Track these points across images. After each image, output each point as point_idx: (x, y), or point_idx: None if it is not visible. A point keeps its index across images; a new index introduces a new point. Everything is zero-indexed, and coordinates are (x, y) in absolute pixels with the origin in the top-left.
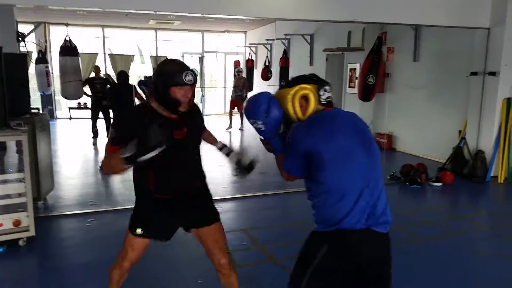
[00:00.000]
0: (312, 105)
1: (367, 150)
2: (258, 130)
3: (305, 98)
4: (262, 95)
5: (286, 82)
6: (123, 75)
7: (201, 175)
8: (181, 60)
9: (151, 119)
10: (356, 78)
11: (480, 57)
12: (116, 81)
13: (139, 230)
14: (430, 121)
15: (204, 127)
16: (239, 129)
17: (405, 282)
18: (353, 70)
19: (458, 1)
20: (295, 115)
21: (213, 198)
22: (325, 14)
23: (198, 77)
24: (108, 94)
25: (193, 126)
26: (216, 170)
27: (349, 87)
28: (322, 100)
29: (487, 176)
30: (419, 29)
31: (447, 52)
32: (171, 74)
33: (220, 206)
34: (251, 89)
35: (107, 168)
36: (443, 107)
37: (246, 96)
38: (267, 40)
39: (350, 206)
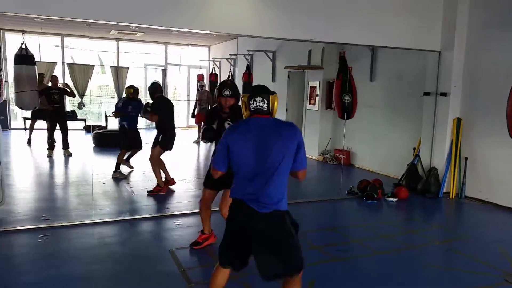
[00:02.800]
0: (244, 112)
1: (260, 151)
2: None
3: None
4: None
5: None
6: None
7: None
8: (229, 81)
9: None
10: (317, 95)
11: (432, 78)
12: (164, 97)
13: None
14: (386, 139)
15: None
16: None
17: None
18: (313, 87)
19: (412, 25)
20: None
21: (174, 213)
22: (285, 32)
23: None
24: (155, 107)
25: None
26: (177, 185)
27: (310, 103)
28: (252, 107)
29: (440, 192)
30: (375, 50)
31: (401, 73)
32: (219, 88)
33: (180, 222)
34: (214, 103)
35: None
36: (398, 125)
37: None
38: (230, 55)
39: None
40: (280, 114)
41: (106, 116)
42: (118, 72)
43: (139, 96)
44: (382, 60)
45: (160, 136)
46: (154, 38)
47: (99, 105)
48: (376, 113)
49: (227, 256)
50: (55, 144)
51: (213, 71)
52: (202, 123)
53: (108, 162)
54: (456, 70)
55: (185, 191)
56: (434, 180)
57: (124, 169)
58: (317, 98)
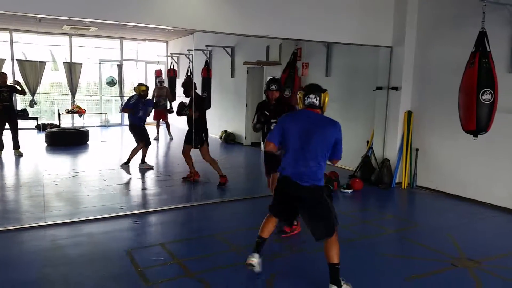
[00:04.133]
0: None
1: (303, 136)
2: None
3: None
4: None
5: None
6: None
7: None
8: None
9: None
10: None
11: (384, 73)
12: (199, 94)
13: None
14: (342, 132)
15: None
16: (170, 139)
17: (314, 283)
18: None
19: (365, 21)
20: None
21: (130, 212)
22: (242, 28)
23: (117, 86)
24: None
25: (276, 111)
26: (133, 183)
27: None
28: (306, 103)
29: (392, 183)
30: (330, 46)
31: (356, 68)
32: (267, 84)
33: (137, 221)
34: (174, 99)
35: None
36: (353, 119)
37: (171, 106)
38: (188, 50)
39: None
40: (240, 110)
41: (59, 114)
42: (72, 68)
43: (94, 92)
44: (337, 56)
45: (203, 134)
46: (108, 33)
47: (51, 103)
48: (332, 107)
49: (277, 212)
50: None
51: (172, 67)
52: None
53: (61, 162)
54: (406, 65)
55: (143, 189)
56: (386, 171)
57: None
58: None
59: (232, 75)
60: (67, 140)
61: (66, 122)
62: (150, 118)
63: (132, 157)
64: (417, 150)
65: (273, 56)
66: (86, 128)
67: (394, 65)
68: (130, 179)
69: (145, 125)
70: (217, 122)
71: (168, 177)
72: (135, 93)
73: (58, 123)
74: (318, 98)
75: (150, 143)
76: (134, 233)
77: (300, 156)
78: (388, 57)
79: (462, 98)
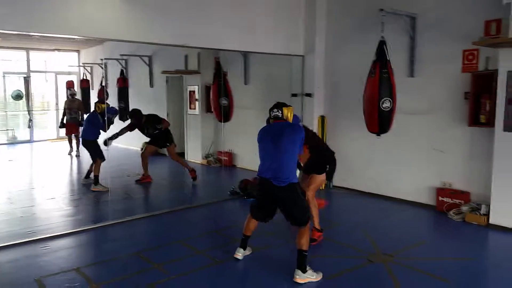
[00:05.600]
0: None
1: (275, 142)
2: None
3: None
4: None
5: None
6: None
7: None
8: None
9: None
10: (196, 99)
11: (298, 81)
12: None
13: None
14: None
15: None
16: (76, 156)
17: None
18: (192, 92)
19: (278, 31)
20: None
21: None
22: (156, 37)
23: (24, 100)
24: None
25: None
26: (45, 204)
27: (190, 108)
28: (272, 116)
29: None
30: (247, 55)
31: (272, 76)
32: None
33: (48, 245)
34: (87, 111)
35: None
36: None
37: (82, 118)
38: (102, 60)
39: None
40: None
41: None
42: None
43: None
44: (254, 65)
45: (170, 134)
46: (13, 43)
47: None
48: (252, 114)
49: (255, 212)
50: None
51: (84, 77)
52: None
53: None
54: (318, 73)
55: (56, 210)
56: None
57: None
58: (196, 103)
59: (151, 85)
60: None
61: None
62: (55, 133)
63: (97, 174)
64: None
65: (192, 65)
66: None
67: (307, 73)
68: (52, 198)
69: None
70: (137, 134)
71: (83, 196)
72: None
73: None
74: (280, 111)
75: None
76: (45, 259)
77: (274, 159)
78: (301, 65)
79: (365, 105)
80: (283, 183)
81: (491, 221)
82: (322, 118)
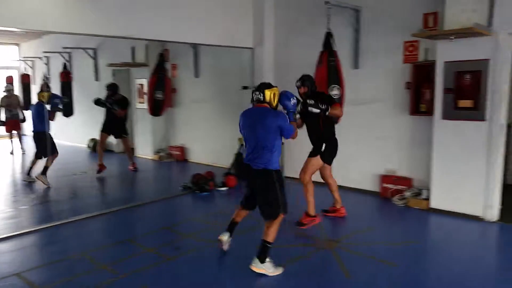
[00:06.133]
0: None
1: (253, 127)
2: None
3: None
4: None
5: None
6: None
7: None
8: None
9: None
10: (145, 93)
11: (248, 73)
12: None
13: None
14: (215, 132)
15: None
16: (22, 153)
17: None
18: (140, 85)
19: (227, 23)
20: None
21: None
22: (100, 28)
23: None
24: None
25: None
26: None
27: (139, 102)
28: (254, 99)
29: None
30: (197, 48)
31: (223, 69)
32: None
33: None
34: (27, 107)
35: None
36: (225, 118)
37: (23, 116)
38: (44, 53)
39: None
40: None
41: None
42: None
43: None
44: (205, 57)
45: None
46: None
47: None
48: (204, 108)
49: (244, 201)
50: None
51: (25, 72)
52: None
53: None
54: (267, 65)
55: None
56: None
57: None
58: (145, 96)
59: (97, 78)
60: None
61: None
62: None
63: (49, 166)
64: (282, 143)
65: (140, 57)
66: None
67: (256, 65)
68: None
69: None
70: (81, 129)
71: (26, 196)
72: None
73: None
74: (262, 94)
75: (46, 156)
76: None
77: (253, 144)
78: (251, 58)
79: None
80: (257, 167)
81: (432, 205)
82: None
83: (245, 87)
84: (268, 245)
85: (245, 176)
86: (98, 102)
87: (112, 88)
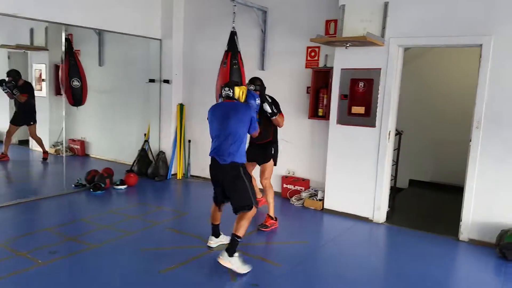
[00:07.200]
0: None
1: (222, 121)
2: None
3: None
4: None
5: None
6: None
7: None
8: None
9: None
10: (43, 80)
11: (156, 66)
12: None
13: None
14: (119, 126)
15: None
16: None
17: None
18: (39, 71)
19: (136, 11)
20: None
21: None
22: None
23: None
24: None
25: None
26: None
27: (36, 89)
28: (223, 95)
29: (168, 175)
30: (102, 34)
31: (130, 59)
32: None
33: None
34: None
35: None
36: (130, 112)
37: None
38: None
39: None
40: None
41: None
42: None
43: None
44: (110, 45)
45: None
46: None
47: None
48: (108, 99)
49: (214, 197)
50: None
51: None
52: None
53: None
54: (176, 59)
55: None
56: (162, 164)
57: None
58: (43, 83)
59: None
60: None
61: None
62: None
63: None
64: (189, 141)
65: (39, 40)
66: None
67: (165, 58)
68: None
69: None
70: None
71: None
72: None
73: None
74: (231, 91)
75: None
76: None
77: (221, 138)
78: (159, 49)
79: (216, 92)
80: (225, 162)
81: (325, 205)
82: (181, 106)
83: (152, 80)
84: (238, 240)
85: (212, 170)
86: None
87: (13, 75)
